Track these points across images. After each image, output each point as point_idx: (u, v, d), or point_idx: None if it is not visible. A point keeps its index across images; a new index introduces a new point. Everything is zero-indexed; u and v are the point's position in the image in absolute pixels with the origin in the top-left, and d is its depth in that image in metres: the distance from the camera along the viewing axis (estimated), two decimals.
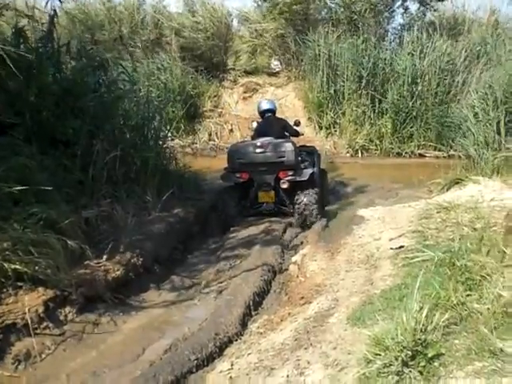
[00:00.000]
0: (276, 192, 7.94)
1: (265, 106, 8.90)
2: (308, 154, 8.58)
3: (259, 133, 8.45)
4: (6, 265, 4.59)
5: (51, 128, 6.42)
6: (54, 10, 7.34)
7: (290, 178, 7.78)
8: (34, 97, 6.37)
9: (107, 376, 4.05)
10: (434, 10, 17.02)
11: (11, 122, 5.95)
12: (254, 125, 9.08)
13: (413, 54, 14.88)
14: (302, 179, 7.80)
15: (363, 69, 14.93)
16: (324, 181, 8.77)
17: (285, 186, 7.81)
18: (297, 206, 7.79)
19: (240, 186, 8.00)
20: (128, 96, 8.34)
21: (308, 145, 9.53)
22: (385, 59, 15.14)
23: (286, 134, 8.64)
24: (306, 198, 7.74)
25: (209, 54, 16.94)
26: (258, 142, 7.90)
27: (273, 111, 8.90)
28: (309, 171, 7.96)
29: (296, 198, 7.80)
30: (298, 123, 9.05)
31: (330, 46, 15.33)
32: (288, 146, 7.85)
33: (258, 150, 7.78)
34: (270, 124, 8.61)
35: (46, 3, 7.37)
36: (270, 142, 7.87)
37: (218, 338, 4.47)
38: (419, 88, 14.64)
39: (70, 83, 7.00)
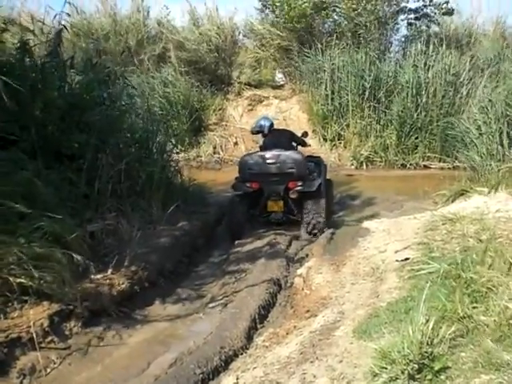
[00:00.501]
0: (285, 201, 8.12)
1: (266, 123, 9.01)
2: (315, 164, 8.76)
3: (268, 145, 8.58)
4: (11, 279, 4.60)
5: (56, 142, 6.44)
6: (62, 25, 7.38)
7: (299, 188, 7.94)
8: (39, 111, 6.40)
9: None
10: (438, 24, 17.03)
11: (16, 137, 5.97)
12: (261, 138, 9.18)
13: (417, 66, 14.89)
14: (311, 190, 7.98)
15: (366, 81, 14.97)
16: (330, 191, 8.92)
17: (294, 196, 7.99)
18: (305, 216, 7.94)
19: (249, 196, 8.14)
20: (133, 110, 8.36)
21: (314, 155, 9.72)
22: (388, 72, 15.15)
23: (293, 144, 8.88)
24: (314, 208, 7.91)
25: (213, 67, 16.99)
26: (269, 153, 8.09)
27: (273, 125, 9.07)
28: (317, 182, 8.15)
29: (304, 207, 7.97)
30: (305, 134, 9.31)
31: (333, 59, 15.37)
32: (298, 158, 8.08)
33: (269, 162, 7.98)
34: (278, 136, 8.78)
35: (54, 17, 7.41)
36: (280, 154, 8.04)
37: (224, 352, 4.47)
38: (423, 100, 14.64)
39: (76, 97, 7.03)
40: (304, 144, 9.25)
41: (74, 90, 7.23)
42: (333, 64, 15.31)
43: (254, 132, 9.40)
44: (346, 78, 15.14)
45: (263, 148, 8.71)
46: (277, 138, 8.73)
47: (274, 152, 8.12)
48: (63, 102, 6.74)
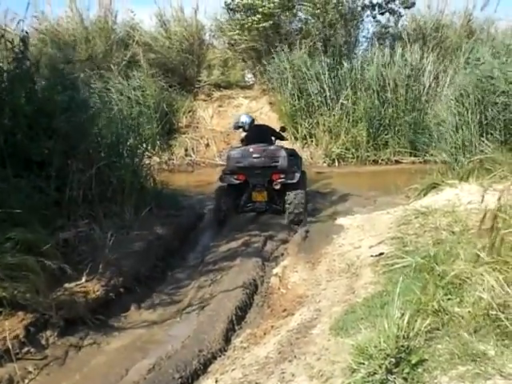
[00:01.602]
0: (268, 192, 8.76)
1: (247, 119, 9.76)
2: (293, 157, 9.31)
3: (250, 140, 9.24)
4: None
5: (25, 150, 6.36)
6: (27, 32, 7.29)
7: (282, 180, 8.61)
8: (7, 119, 6.33)
9: None
10: (401, 16, 17.18)
11: None
12: (242, 134, 9.86)
13: (382, 65, 15.06)
14: (293, 181, 8.64)
15: (330, 80, 15.13)
16: (305, 181, 9.47)
17: (277, 187, 8.63)
18: (287, 205, 8.54)
19: (235, 187, 8.78)
20: (101, 115, 8.29)
21: (289, 148, 10.11)
22: (353, 69, 15.29)
23: (272, 138, 9.60)
24: (296, 198, 8.50)
25: (182, 69, 16.94)
26: (255, 148, 8.79)
27: (253, 120, 9.91)
28: (298, 174, 8.79)
29: (287, 198, 8.56)
30: (283, 129, 10.19)
31: (296, 59, 15.50)
32: (281, 153, 8.75)
33: (255, 155, 8.65)
34: (259, 131, 9.54)
35: (18, 23, 7.32)
36: (265, 149, 8.80)
37: (202, 355, 4.45)
38: (388, 95, 14.82)
39: (41, 102, 6.95)
40: (282, 138, 9.92)
41: (39, 96, 7.14)
42: (294, 65, 15.43)
43: (236, 128, 10.04)
44: (309, 78, 15.26)
45: (246, 142, 9.31)
46: (258, 132, 9.46)
47: (260, 147, 8.81)
48: (31, 108, 6.67)
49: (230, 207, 8.74)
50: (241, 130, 9.89)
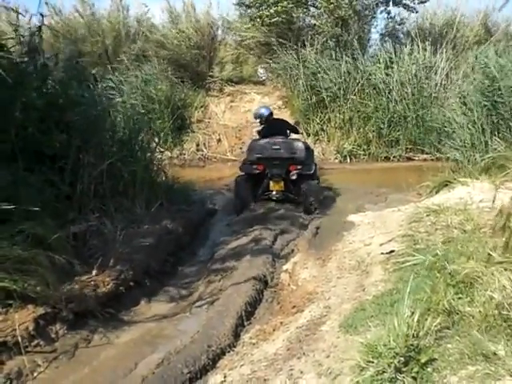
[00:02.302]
0: (285, 182, 9.26)
1: (265, 112, 10.24)
2: (307, 149, 9.72)
3: (267, 132, 9.76)
4: None
5: (37, 143, 6.37)
6: (40, 26, 7.29)
7: (298, 171, 9.14)
8: (18, 112, 6.34)
9: None
10: (416, 12, 17.08)
11: None
12: (258, 126, 10.42)
13: (392, 62, 15.05)
14: (309, 173, 9.25)
15: (341, 77, 15.14)
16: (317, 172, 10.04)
17: (294, 177, 9.15)
18: (303, 195, 9.05)
19: (254, 177, 9.33)
20: (114, 109, 8.30)
21: (302, 140, 10.46)
22: (364, 66, 15.29)
23: (289, 131, 10.02)
24: (311, 188, 9.08)
25: (194, 64, 16.93)
26: (275, 140, 9.39)
27: (272, 113, 10.38)
28: (312, 166, 9.45)
29: (303, 187, 9.07)
30: (297, 123, 11.09)
31: (308, 55, 15.53)
32: (299, 145, 9.43)
33: (274, 147, 9.23)
34: (275, 124, 10.00)
35: (30, 18, 7.32)
36: (284, 141, 9.44)
37: (211, 350, 4.44)
38: (395, 94, 14.79)
39: (54, 97, 6.96)
40: (297, 131, 10.42)
41: (54, 90, 7.15)
42: (308, 62, 15.44)
43: (256, 117, 10.45)
44: (321, 74, 15.23)
45: (263, 134, 9.86)
46: (275, 125, 9.92)
47: (279, 139, 9.44)
48: (43, 102, 6.68)
49: (248, 196, 9.24)
50: (258, 121, 10.34)
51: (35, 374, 4.26)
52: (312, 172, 9.33)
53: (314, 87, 15.38)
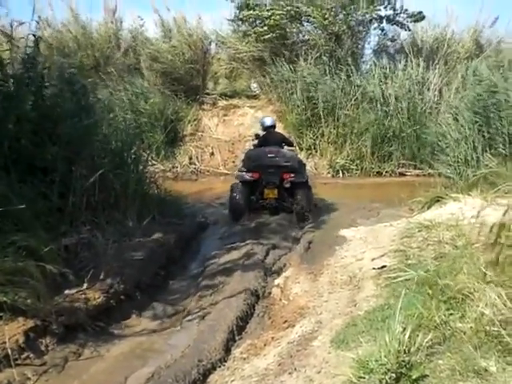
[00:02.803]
0: (278, 190, 9.42)
1: (268, 122, 10.61)
2: (301, 160, 10.41)
3: (264, 143, 10.06)
4: None
5: (30, 155, 6.37)
6: (37, 37, 7.29)
7: (292, 179, 9.36)
8: (12, 125, 6.33)
9: None
10: (409, 30, 17.21)
11: None
12: (255, 142, 10.60)
13: (385, 77, 15.17)
14: (302, 180, 9.54)
15: (335, 92, 15.23)
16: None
17: (287, 185, 9.35)
18: (296, 202, 9.28)
19: (249, 184, 9.48)
20: (106, 121, 8.29)
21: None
22: (357, 82, 15.38)
23: (283, 144, 10.26)
24: (304, 196, 9.36)
25: (187, 78, 16.92)
26: (270, 149, 9.68)
27: (274, 126, 10.68)
28: (305, 175, 9.89)
29: (296, 196, 9.34)
30: (291, 137, 11.66)
31: (303, 70, 15.59)
32: (293, 155, 10.00)
33: (270, 156, 9.50)
34: (273, 136, 10.32)
35: (20, 24, 7.30)
36: (279, 151, 9.73)
37: (202, 365, 4.41)
38: (391, 108, 14.88)
39: (48, 109, 6.96)
40: (291, 144, 10.69)
41: (47, 103, 7.15)
42: (304, 77, 15.48)
43: (262, 124, 10.73)
44: (315, 89, 15.30)
45: (259, 143, 10.21)
46: (272, 137, 10.25)
47: (274, 148, 9.72)
48: (36, 114, 6.67)
49: (244, 203, 9.38)
50: (260, 130, 10.71)
51: None
52: (305, 180, 9.66)
53: (310, 100, 15.42)
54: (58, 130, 6.79)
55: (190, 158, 15.74)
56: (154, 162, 10.79)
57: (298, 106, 15.49)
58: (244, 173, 9.61)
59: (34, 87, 7.04)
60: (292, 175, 9.35)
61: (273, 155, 9.50)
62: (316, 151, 15.42)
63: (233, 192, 9.48)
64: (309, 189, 9.75)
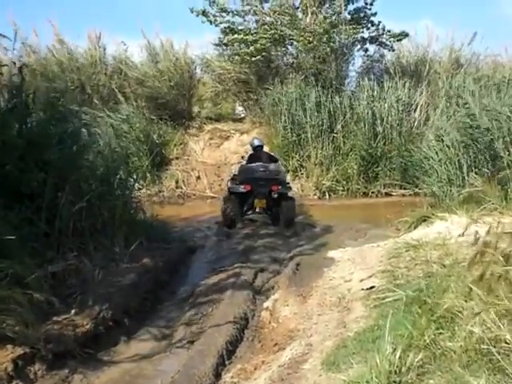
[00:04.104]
0: (267, 201, 10.63)
1: (257, 143, 11.68)
2: None
3: (255, 159, 11.19)
4: None
5: (15, 181, 6.34)
6: (22, 64, 7.30)
7: (280, 190, 10.62)
8: None
9: None
10: (393, 51, 17.43)
11: None
12: (245, 157, 11.87)
13: (372, 98, 15.30)
14: (287, 192, 11.01)
15: (322, 114, 15.39)
16: None
17: (276, 195, 10.55)
18: (283, 212, 10.51)
19: (240, 196, 10.64)
20: (92, 147, 8.28)
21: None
22: (344, 104, 15.51)
23: (270, 161, 11.36)
24: (289, 206, 10.64)
25: (173, 103, 17.04)
26: (261, 164, 10.88)
27: (262, 146, 11.77)
28: (290, 188, 11.39)
29: (282, 206, 10.55)
30: (275, 156, 12.52)
31: (290, 93, 15.68)
32: (281, 169, 11.67)
33: (261, 170, 10.73)
34: (261, 154, 11.43)
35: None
36: (268, 165, 10.96)
37: None
38: (379, 129, 15.00)
39: (35, 136, 6.94)
40: (276, 161, 11.77)
41: (33, 129, 7.14)
42: (290, 98, 15.57)
43: (251, 144, 11.87)
44: (303, 112, 15.38)
45: (250, 161, 11.26)
46: (261, 155, 11.36)
47: (264, 164, 10.92)
48: (22, 141, 6.66)
49: (236, 213, 10.53)
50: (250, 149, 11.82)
51: None
52: (288, 192, 11.05)
53: (295, 124, 15.57)
54: (44, 156, 6.77)
55: (177, 182, 15.76)
56: (140, 186, 10.75)
57: (285, 128, 15.57)
58: (238, 185, 10.74)
59: (19, 114, 7.03)
60: (280, 187, 10.59)
61: (263, 169, 10.72)
62: (302, 173, 15.48)
63: (226, 203, 10.63)
64: (292, 200, 10.89)
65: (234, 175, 11.45)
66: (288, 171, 15.32)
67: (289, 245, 9.47)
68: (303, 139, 15.52)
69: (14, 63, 7.27)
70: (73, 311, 5.46)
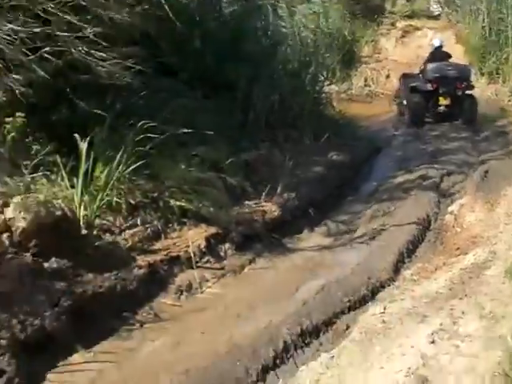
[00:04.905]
0: (451, 98, 10.88)
1: (438, 43, 11.96)
2: None
3: (435, 58, 11.47)
4: (172, 201, 4.92)
5: (213, 73, 6.62)
6: None
7: (464, 88, 10.87)
8: (198, 43, 6.59)
9: (261, 310, 4.18)
10: None
11: (175, 67, 6.20)
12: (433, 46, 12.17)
13: None
14: (470, 91, 11.11)
15: None
16: None
17: (459, 93, 10.86)
18: (464, 109, 10.80)
19: (425, 94, 10.94)
20: (285, 41, 8.36)
21: None
22: None
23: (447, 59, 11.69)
24: (471, 103, 10.87)
25: None
26: (448, 63, 11.27)
27: (442, 46, 11.94)
28: (472, 87, 11.25)
29: (463, 104, 10.82)
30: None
31: None
32: (468, 68, 11.76)
33: (448, 68, 11.03)
34: (441, 53, 11.69)
35: None
36: (456, 64, 11.47)
37: (370, 283, 4.49)
38: None
39: (231, 28, 7.14)
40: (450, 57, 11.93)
41: (229, 22, 7.32)
42: None
43: (432, 44, 12.26)
44: (506, 9, 14.24)
45: (429, 60, 11.54)
46: (441, 54, 11.65)
47: (451, 62, 11.42)
48: (220, 33, 6.88)
49: (422, 109, 10.98)
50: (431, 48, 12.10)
51: (204, 288, 4.54)
52: (471, 91, 11.10)
53: (497, 23, 14.45)
54: (240, 48, 6.96)
55: (366, 80, 15.47)
56: (329, 82, 10.75)
57: (483, 28, 14.59)
58: (424, 83, 11.01)
59: (214, 6, 7.22)
60: (463, 85, 10.87)
61: (450, 68, 11.08)
62: (498, 77, 14.54)
63: (411, 100, 11.01)
64: (474, 99, 11.01)
65: (421, 70, 11.60)
66: (483, 74, 14.51)
67: (479, 149, 9.10)
68: (502, 40, 14.46)
69: None
70: (262, 198, 5.77)
